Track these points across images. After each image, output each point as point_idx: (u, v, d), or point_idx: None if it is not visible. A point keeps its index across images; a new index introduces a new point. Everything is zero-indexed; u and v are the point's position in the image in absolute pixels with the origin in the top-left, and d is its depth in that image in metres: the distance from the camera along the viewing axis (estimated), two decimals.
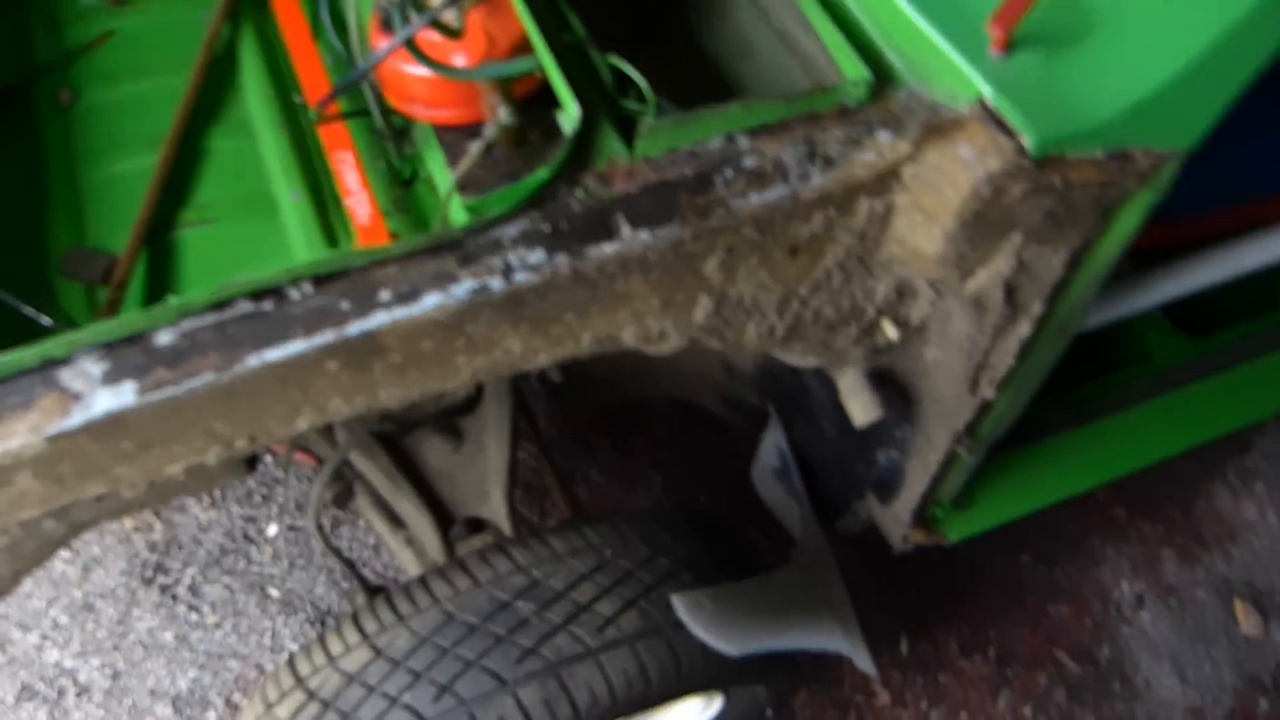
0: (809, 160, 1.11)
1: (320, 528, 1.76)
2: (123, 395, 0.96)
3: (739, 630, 1.51)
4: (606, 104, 1.16)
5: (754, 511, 2.14)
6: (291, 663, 1.49)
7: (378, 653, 1.41)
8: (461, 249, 1.04)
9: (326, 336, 0.99)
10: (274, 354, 0.98)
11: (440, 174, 1.95)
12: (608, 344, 1.14)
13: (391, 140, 2.08)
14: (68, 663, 2.38)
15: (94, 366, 0.97)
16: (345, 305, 1.00)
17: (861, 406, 1.49)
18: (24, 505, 1.01)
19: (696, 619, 1.46)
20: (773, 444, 2.14)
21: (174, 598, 2.47)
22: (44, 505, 1.02)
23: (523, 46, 1.47)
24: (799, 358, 1.38)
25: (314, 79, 2.17)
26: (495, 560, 1.48)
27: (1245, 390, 2.17)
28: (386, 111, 2.05)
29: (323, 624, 2.44)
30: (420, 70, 1.53)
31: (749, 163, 1.11)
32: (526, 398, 2.33)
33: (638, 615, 1.46)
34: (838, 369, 1.46)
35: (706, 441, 2.81)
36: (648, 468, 2.79)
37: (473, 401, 1.91)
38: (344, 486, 2.06)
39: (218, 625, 2.44)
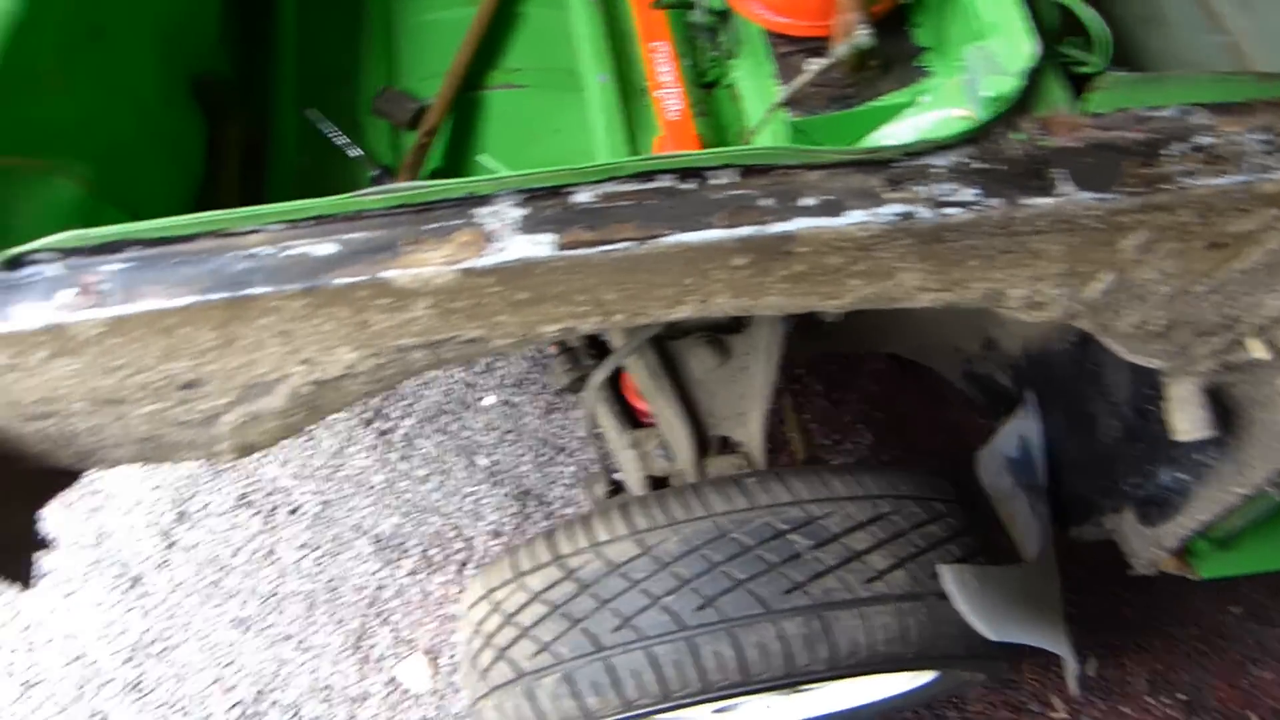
0: (1273, 150, 1.02)
1: (591, 414, 1.78)
2: (539, 245, 0.95)
3: (998, 615, 1.46)
4: (1051, 47, 1.09)
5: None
6: (551, 538, 1.51)
7: (646, 549, 1.42)
8: (891, 170, 0.99)
9: (745, 230, 0.96)
10: (692, 237, 0.96)
11: (755, 83, 1.90)
12: (990, 300, 1.09)
13: (707, 38, 2.03)
14: (284, 482, 2.50)
15: (514, 211, 0.97)
16: (768, 202, 0.97)
17: (1190, 421, 1.40)
18: (408, 332, 1.03)
19: (963, 595, 1.42)
20: (1016, 432, 2.06)
21: (388, 444, 2.56)
22: (424, 336, 1.04)
23: None
24: (1146, 355, 1.29)
25: None
26: (774, 487, 1.46)
27: None
28: (714, 7, 2.00)
29: (523, 501, 2.49)
30: None
31: (1204, 140, 1.02)
32: None
33: (906, 576, 1.42)
34: (1178, 377, 1.37)
35: (920, 409, 2.73)
36: (857, 422, 2.73)
37: (742, 320, 1.88)
38: (578, 376, 2.07)
39: (424, 479, 2.52)
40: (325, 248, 0.96)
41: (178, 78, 1.80)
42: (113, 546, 2.39)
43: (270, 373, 1.06)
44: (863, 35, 1.56)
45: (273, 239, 0.97)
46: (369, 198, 0.97)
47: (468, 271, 0.95)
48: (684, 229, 0.96)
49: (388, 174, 1.90)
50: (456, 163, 1.96)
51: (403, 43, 2.14)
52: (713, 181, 0.98)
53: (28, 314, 0.97)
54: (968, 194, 0.98)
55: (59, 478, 1.32)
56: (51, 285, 0.97)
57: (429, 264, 0.95)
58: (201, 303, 0.95)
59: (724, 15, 1.97)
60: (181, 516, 2.44)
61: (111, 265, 0.97)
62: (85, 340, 0.98)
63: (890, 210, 0.97)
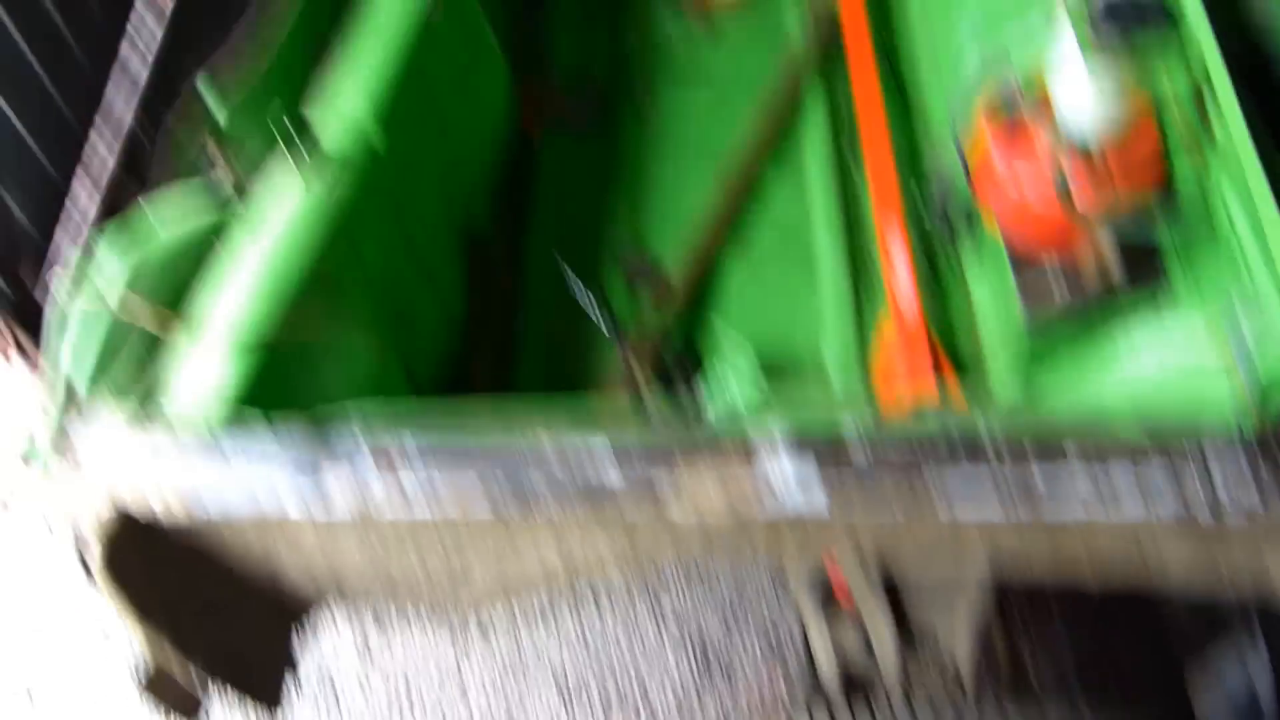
0: None
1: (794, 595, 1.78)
2: (813, 502, 0.99)
3: None
4: None
5: None
6: None
7: None
8: (1168, 457, 0.98)
9: (1013, 511, 0.97)
10: (962, 510, 0.97)
11: (991, 289, 1.90)
12: (1255, 589, 1.06)
13: (945, 227, 2.04)
14: None
15: (793, 464, 1.01)
16: (1041, 485, 0.98)
17: None
18: (669, 550, 1.08)
19: None
20: (1242, 671, 1.93)
21: None
22: (683, 556, 1.08)
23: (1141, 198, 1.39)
24: None
25: (877, 148, 2.18)
26: (987, 708, 1.45)
27: None
28: (955, 196, 2.01)
29: (705, 659, 2.49)
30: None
31: None
32: None
33: None
34: None
35: (1130, 626, 2.58)
36: (1061, 633, 2.61)
37: None
38: None
39: (610, 618, 2.55)
40: (609, 471, 1.02)
41: (455, 240, 1.96)
42: (314, 647, 2.53)
43: (533, 563, 1.13)
44: (1116, 275, 1.56)
45: (559, 451, 1.04)
46: (653, 434, 1.03)
47: (741, 516, 1.00)
48: (954, 503, 0.97)
49: (623, 334, 2.00)
50: (692, 330, 2.02)
51: (645, 206, 2.25)
52: (985, 450, 0.99)
53: (331, 485, 1.07)
54: (1244, 493, 0.96)
55: (311, 605, 1.43)
56: (355, 454, 1.07)
57: (706, 503, 1.00)
58: (490, 510, 1.03)
59: (969, 216, 2.00)
60: (378, 624, 2.56)
61: (410, 445, 1.06)
62: (374, 524, 1.07)
63: (1165, 508, 0.96)
